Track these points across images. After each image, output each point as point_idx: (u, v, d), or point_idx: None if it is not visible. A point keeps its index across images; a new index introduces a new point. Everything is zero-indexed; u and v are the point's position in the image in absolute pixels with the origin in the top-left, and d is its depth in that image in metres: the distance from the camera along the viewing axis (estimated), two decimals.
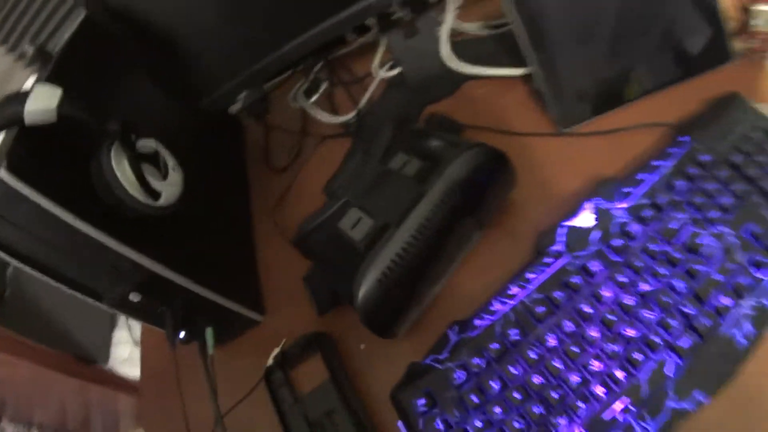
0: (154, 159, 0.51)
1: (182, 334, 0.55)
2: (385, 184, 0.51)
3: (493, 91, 0.63)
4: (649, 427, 0.43)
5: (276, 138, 0.69)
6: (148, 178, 0.48)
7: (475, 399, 0.47)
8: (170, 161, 0.52)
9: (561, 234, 0.52)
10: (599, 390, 0.45)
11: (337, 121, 0.66)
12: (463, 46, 0.64)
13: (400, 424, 0.50)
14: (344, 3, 0.55)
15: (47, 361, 0.68)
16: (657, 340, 0.45)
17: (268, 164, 0.67)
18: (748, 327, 0.45)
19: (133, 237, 0.48)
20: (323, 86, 0.69)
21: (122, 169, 0.46)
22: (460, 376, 0.49)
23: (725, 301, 0.45)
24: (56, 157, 0.45)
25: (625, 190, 0.52)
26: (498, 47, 0.64)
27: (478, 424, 0.47)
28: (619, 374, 0.45)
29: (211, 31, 0.58)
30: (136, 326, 0.96)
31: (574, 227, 0.52)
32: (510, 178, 0.55)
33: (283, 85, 0.74)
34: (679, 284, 0.47)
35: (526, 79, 0.62)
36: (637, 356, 0.45)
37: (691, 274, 0.47)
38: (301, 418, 0.54)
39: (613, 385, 0.45)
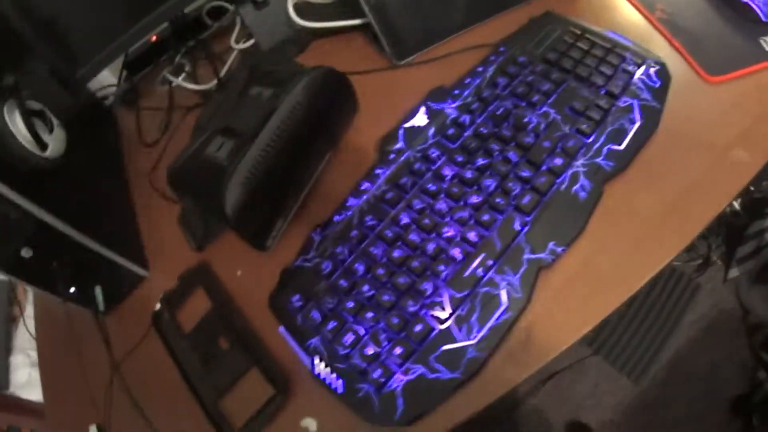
0: (41, 115, 0.51)
1: (72, 290, 0.53)
2: (242, 109, 0.54)
3: (338, 44, 0.68)
4: (509, 278, 0.46)
5: (147, 118, 0.70)
6: (37, 130, 0.48)
7: (344, 283, 0.49)
8: (54, 120, 0.53)
9: (401, 134, 0.56)
10: (456, 252, 0.48)
11: (199, 89, 0.68)
12: (309, 9, 0.69)
13: (281, 329, 0.50)
14: None
15: None
16: (500, 201, 0.49)
17: (141, 142, 0.68)
18: (585, 181, 0.50)
19: (23, 187, 0.46)
20: (187, 67, 0.71)
21: (14, 121, 0.46)
22: (327, 266, 0.50)
23: (557, 161, 0.50)
24: None
25: (455, 92, 0.58)
26: (339, 6, 0.70)
27: (351, 305, 0.48)
28: (472, 235, 0.48)
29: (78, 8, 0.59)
30: (33, 350, 0.90)
31: (411, 127, 0.56)
32: (352, 100, 0.59)
33: (151, 73, 0.76)
34: (513, 155, 0.51)
35: (365, 29, 0.67)
36: (486, 217, 0.49)
37: (522, 147, 0.52)
38: (191, 353, 0.53)
39: (467, 246, 0.48)
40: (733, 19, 0.63)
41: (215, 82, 0.67)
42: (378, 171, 0.54)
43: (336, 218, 0.53)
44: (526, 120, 0.53)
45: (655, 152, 0.52)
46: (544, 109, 0.55)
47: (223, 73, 0.69)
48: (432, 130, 0.55)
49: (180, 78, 0.70)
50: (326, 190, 0.58)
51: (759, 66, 0.57)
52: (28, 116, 0.48)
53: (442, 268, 0.47)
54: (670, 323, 1.10)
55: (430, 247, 0.48)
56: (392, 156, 0.55)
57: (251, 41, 0.70)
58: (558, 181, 0.50)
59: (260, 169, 0.51)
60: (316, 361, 0.48)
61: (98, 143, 0.67)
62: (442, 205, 0.50)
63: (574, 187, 0.50)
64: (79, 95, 0.64)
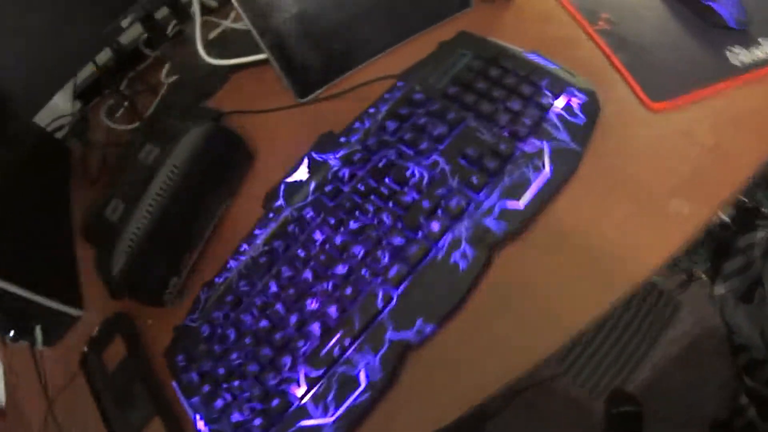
0: None
1: (12, 333, 0.58)
2: (131, 171, 0.54)
3: (252, 77, 0.64)
4: (369, 358, 0.44)
5: (95, 152, 0.72)
6: None
7: (217, 349, 0.49)
8: None
9: (281, 190, 0.53)
10: (315, 328, 0.46)
11: (127, 129, 0.69)
12: (227, 41, 0.65)
13: (174, 383, 0.53)
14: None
15: None
16: (365, 273, 0.46)
17: (86, 177, 0.70)
18: (467, 248, 0.44)
19: None
20: (126, 102, 0.71)
21: None
22: (205, 330, 0.51)
23: (434, 226, 0.45)
24: None
25: (342, 140, 0.53)
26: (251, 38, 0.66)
27: (221, 371, 0.48)
28: (332, 311, 0.46)
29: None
30: None
31: (291, 182, 0.53)
32: (242, 151, 0.57)
33: (98, 104, 0.76)
34: (386, 218, 0.47)
35: None
36: (348, 291, 0.46)
37: (400, 206, 0.47)
38: (109, 395, 0.57)
39: (328, 322, 0.46)
40: (693, 26, 0.52)
41: (136, 123, 0.67)
42: (257, 232, 0.52)
43: (216, 280, 0.53)
44: (408, 173, 0.48)
45: (568, 207, 0.45)
46: (433, 158, 0.49)
47: (152, 108, 0.68)
48: (313, 185, 0.52)
49: (117, 114, 0.70)
50: (224, 240, 0.57)
51: (719, 85, 0.47)
52: None
53: (301, 344, 0.46)
54: (645, 344, 1.01)
55: (293, 319, 0.47)
56: (271, 215, 0.53)
57: (176, 76, 0.68)
58: (434, 249, 0.45)
59: (145, 232, 0.51)
60: (198, 418, 0.50)
61: (46, 179, 0.70)
62: (308, 274, 0.48)
63: (454, 256, 0.44)
64: (20, 135, 0.66)
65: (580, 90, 0.48)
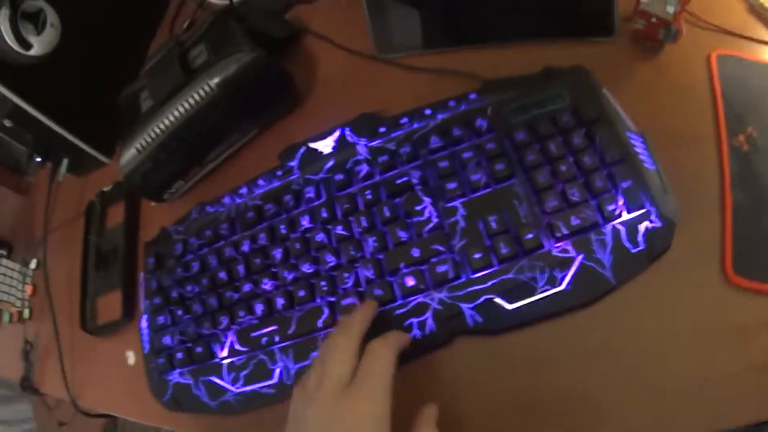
0: (36, 16, 0.56)
1: (38, 159, 0.63)
2: (173, 66, 0.52)
3: (353, 4, 0.57)
4: (288, 362, 0.43)
5: (188, 6, 0.70)
6: (24, 32, 0.54)
7: (179, 272, 0.50)
8: (52, 19, 0.57)
9: (300, 153, 0.50)
10: (258, 308, 0.45)
11: (219, 4, 0.65)
12: None
13: (141, 275, 0.55)
14: None
15: None
16: (324, 285, 0.43)
17: (171, 31, 0.70)
18: (430, 321, 0.40)
19: (6, 76, 0.54)
20: None
21: (5, 25, 0.52)
22: (178, 248, 0.51)
23: (410, 281, 0.40)
24: None
25: (381, 129, 0.48)
26: None
27: (174, 294, 0.50)
28: (279, 302, 0.44)
29: None
30: None
31: (312, 149, 0.49)
32: (287, 92, 0.52)
33: None
34: (369, 244, 0.42)
35: None
36: (301, 293, 0.44)
37: (391, 238, 0.42)
38: (94, 249, 0.62)
39: (272, 309, 0.45)
40: None
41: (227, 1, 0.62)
42: (260, 182, 0.50)
43: (208, 209, 0.52)
44: (418, 208, 0.42)
45: (557, 336, 0.38)
46: (454, 204, 0.42)
47: None
48: (329, 164, 0.48)
49: None
50: (237, 166, 0.56)
51: None
52: (15, 21, 0.52)
53: (241, 313, 0.46)
54: None
55: (246, 287, 0.46)
56: (279, 172, 0.49)
57: None
58: (398, 301, 0.41)
59: (160, 137, 0.51)
60: (145, 318, 0.53)
61: (136, 18, 0.70)
62: (278, 253, 0.46)
63: (412, 320, 0.40)
64: None
65: (660, 215, 0.37)
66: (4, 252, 0.73)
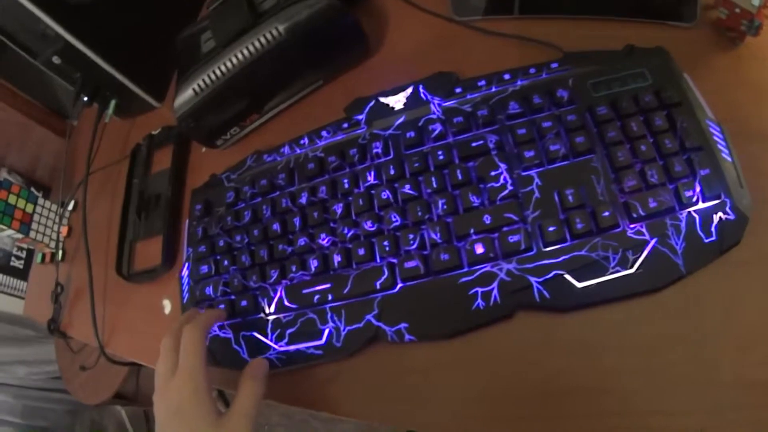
0: None
1: (85, 99, 0.62)
2: (232, 10, 0.50)
3: None
4: (339, 324, 0.41)
5: None
6: None
7: (229, 221, 0.49)
8: None
9: (369, 106, 0.47)
10: (313, 264, 0.43)
11: None
12: None
13: (186, 222, 0.54)
14: None
15: (31, 113, 0.80)
16: (387, 246, 0.41)
17: None
18: (495, 291, 0.38)
19: (60, 12, 0.54)
20: None
21: None
22: (230, 196, 0.50)
23: (479, 248, 0.38)
24: None
25: (458, 90, 0.45)
26: None
27: (221, 243, 0.48)
28: (336, 259, 0.42)
29: None
30: None
31: (382, 103, 0.47)
32: (357, 43, 0.50)
33: None
34: (439, 207, 0.40)
35: None
36: (361, 252, 0.42)
37: (462, 202, 0.40)
38: (137, 193, 0.60)
39: (327, 266, 0.43)
40: None
41: None
42: (324, 133, 0.48)
43: (266, 157, 0.50)
44: (493, 173, 0.40)
45: (619, 318, 0.36)
46: (530, 173, 0.39)
47: None
48: (400, 120, 0.46)
49: None
50: (299, 117, 0.54)
51: None
52: None
53: (294, 268, 0.44)
54: None
55: (301, 242, 0.44)
56: (345, 125, 0.47)
57: None
58: (464, 269, 0.39)
59: (217, 81, 0.49)
60: (186, 266, 0.51)
61: None
62: (339, 208, 0.44)
63: (476, 290, 0.38)
64: None
65: (734, 207, 0.35)
66: (40, 194, 0.72)
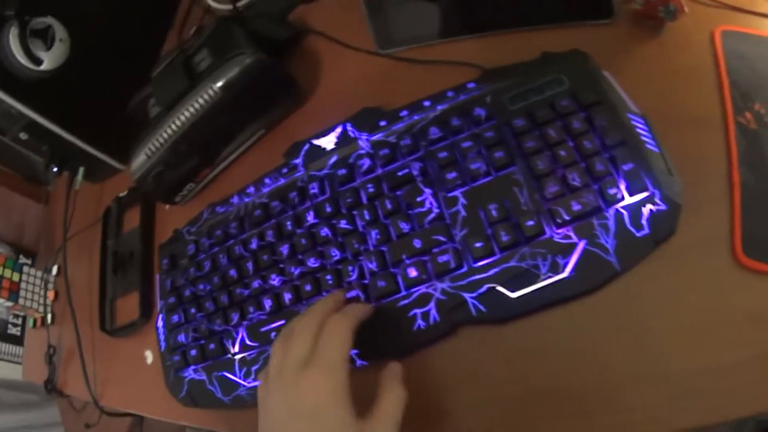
0: (44, 32, 0.59)
1: (55, 169, 0.66)
2: (178, 72, 0.54)
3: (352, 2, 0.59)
4: None
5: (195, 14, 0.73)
6: (34, 49, 0.57)
7: (192, 272, 0.53)
8: (61, 35, 0.61)
9: (304, 150, 0.51)
10: (267, 303, 0.47)
11: (223, 10, 0.68)
12: None
13: (157, 276, 0.58)
14: None
15: (10, 183, 0.85)
16: (329, 279, 0.44)
17: (180, 36, 0.73)
18: (433, 311, 0.41)
19: (19, 92, 0.58)
20: None
21: (15, 43, 0.55)
22: (191, 249, 0.54)
23: (412, 272, 0.41)
24: None
25: (382, 123, 0.49)
26: None
27: (187, 293, 0.52)
28: (287, 297, 0.46)
29: None
30: None
31: (315, 145, 0.51)
32: (293, 92, 0.54)
33: None
34: (372, 236, 0.44)
35: None
36: (307, 288, 0.45)
37: (394, 230, 0.43)
38: (111, 253, 0.65)
39: (280, 304, 0.46)
40: None
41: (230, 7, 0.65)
42: (266, 180, 0.52)
43: (218, 209, 0.54)
44: (419, 199, 0.43)
45: (559, 324, 0.38)
46: (455, 194, 0.43)
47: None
48: (332, 160, 0.49)
49: None
50: (246, 166, 0.58)
51: None
52: (24, 38, 0.55)
53: (251, 309, 0.47)
54: None
55: (255, 284, 0.48)
56: (285, 170, 0.51)
57: None
58: (401, 292, 0.42)
59: (168, 143, 0.53)
60: (161, 317, 0.55)
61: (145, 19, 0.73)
62: (285, 249, 0.47)
63: (415, 311, 0.41)
64: None
65: (664, 197, 0.37)
66: (28, 261, 0.77)
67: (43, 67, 0.58)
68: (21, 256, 0.85)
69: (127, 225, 0.65)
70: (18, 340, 0.84)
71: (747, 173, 0.39)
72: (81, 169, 0.67)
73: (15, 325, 0.86)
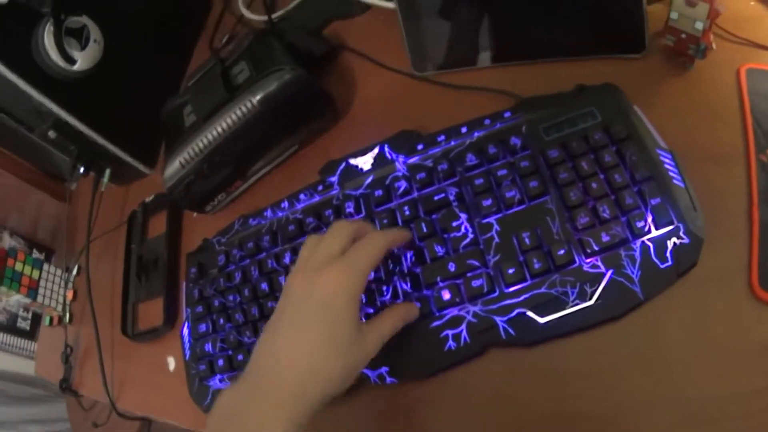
0: (79, 32, 0.61)
1: (82, 170, 0.67)
2: (216, 83, 0.55)
3: (390, 20, 0.60)
4: None
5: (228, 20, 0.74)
6: (69, 48, 0.58)
7: (222, 282, 0.54)
8: (95, 35, 0.62)
9: (340, 168, 0.53)
10: None
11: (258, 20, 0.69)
12: None
13: (184, 283, 0.59)
14: None
15: (28, 177, 0.85)
16: (363, 298, 0.44)
17: (212, 45, 0.74)
18: (464, 333, 0.42)
19: (51, 90, 0.59)
20: None
21: (50, 41, 0.56)
22: (221, 259, 0.55)
23: (446, 295, 0.43)
24: (11, 30, 0.56)
25: (419, 147, 0.50)
26: None
27: (216, 303, 0.53)
28: None
29: None
30: None
31: (352, 165, 0.52)
32: (330, 108, 0.56)
33: None
34: (407, 258, 0.45)
35: None
36: None
37: (429, 253, 0.44)
38: (136, 257, 0.66)
39: None
40: None
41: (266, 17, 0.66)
42: (301, 196, 0.53)
43: (251, 221, 0.56)
44: (455, 224, 0.45)
45: (582, 349, 0.40)
46: (489, 220, 0.44)
47: (291, 6, 0.67)
48: (369, 180, 0.51)
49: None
50: (280, 181, 0.59)
51: None
52: (60, 36, 0.56)
53: None
54: None
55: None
56: (320, 187, 0.52)
57: None
58: (434, 314, 0.43)
59: (203, 153, 0.54)
60: (186, 325, 0.56)
61: (179, 25, 0.75)
62: None
63: (447, 332, 0.43)
64: None
65: (687, 231, 0.39)
66: (41, 256, 0.77)
67: (76, 67, 0.59)
68: (35, 251, 0.85)
69: (152, 230, 0.66)
70: (27, 334, 0.84)
71: (766, 210, 0.40)
72: (107, 171, 0.68)
73: (25, 318, 0.87)
